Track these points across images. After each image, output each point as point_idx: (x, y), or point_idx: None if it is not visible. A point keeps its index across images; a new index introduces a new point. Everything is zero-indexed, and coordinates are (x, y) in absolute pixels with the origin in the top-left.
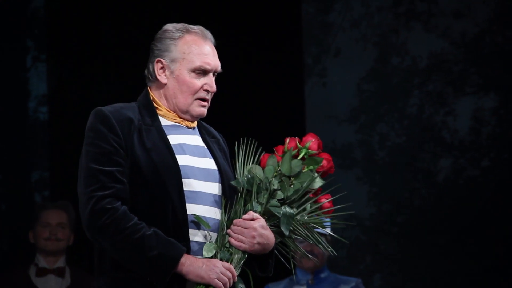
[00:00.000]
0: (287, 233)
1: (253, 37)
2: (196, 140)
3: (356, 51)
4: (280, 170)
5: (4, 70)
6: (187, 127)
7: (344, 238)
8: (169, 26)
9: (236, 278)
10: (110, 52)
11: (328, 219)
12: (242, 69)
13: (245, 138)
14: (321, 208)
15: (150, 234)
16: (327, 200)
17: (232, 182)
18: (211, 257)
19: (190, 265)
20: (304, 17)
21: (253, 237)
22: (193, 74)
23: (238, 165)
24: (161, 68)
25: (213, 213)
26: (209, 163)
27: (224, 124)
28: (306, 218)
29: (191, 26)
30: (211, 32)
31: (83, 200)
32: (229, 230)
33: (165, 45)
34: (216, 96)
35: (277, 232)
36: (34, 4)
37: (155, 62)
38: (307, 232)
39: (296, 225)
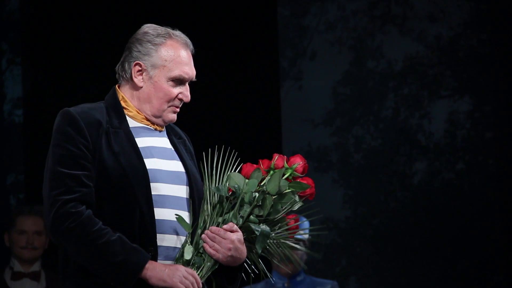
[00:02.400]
0: (260, 251)
1: (228, 41)
2: (163, 142)
3: (332, 54)
4: (265, 186)
5: None
6: (156, 129)
7: (320, 241)
8: (150, 29)
9: (201, 285)
10: (86, 55)
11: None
12: (217, 72)
13: (223, 146)
14: (287, 226)
15: (114, 240)
16: (293, 218)
17: (213, 189)
18: (189, 260)
19: (152, 269)
20: (279, 21)
21: (229, 249)
22: (170, 83)
23: (206, 171)
24: (139, 71)
25: (182, 216)
26: (177, 166)
27: (199, 128)
28: (279, 236)
29: (172, 31)
30: (186, 35)
31: (47, 204)
32: (204, 236)
33: (145, 49)
34: (191, 99)
35: (249, 247)
36: (9, 7)
37: (133, 64)
38: (277, 249)
39: (270, 243)
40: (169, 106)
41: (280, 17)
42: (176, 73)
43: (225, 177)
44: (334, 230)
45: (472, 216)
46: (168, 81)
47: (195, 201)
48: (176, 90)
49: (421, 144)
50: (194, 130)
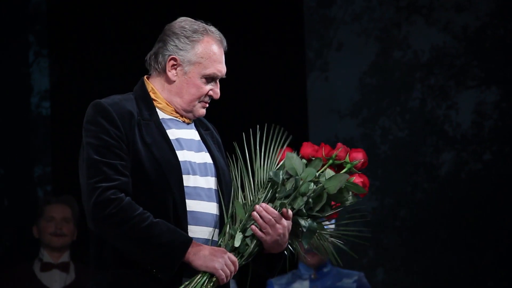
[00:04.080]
0: (306, 246)
1: (254, 32)
2: (192, 134)
3: (358, 45)
4: (323, 181)
5: (6, 66)
6: (184, 121)
7: (347, 231)
8: (186, 23)
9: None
10: (112, 47)
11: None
12: (244, 63)
13: (265, 125)
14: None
15: (157, 222)
16: (336, 211)
17: (271, 173)
18: (237, 247)
19: (195, 253)
20: (305, 11)
21: (279, 235)
22: (203, 79)
23: (252, 150)
24: (173, 65)
25: (211, 208)
26: (205, 157)
27: (226, 118)
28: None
29: (209, 27)
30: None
31: (86, 191)
32: (255, 214)
33: (182, 44)
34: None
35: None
36: (35, 0)
37: (168, 58)
38: (320, 241)
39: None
40: (200, 102)
41: (306, 8)
42: (210, 70)
43: (272, 157)
44: (361, 222)
45: (500, 207)
46: (201, 77)
47: (223, 193)
48: (207, 87)
49: (448, 134)
50: (221, 121)
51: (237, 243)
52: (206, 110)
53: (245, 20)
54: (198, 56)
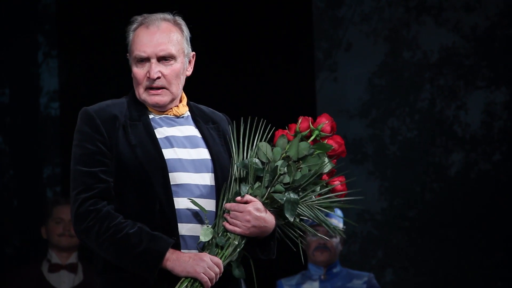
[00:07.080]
0: (292, 219)
1: (263, 33)
2: (187, 130)
3: (367, 45)
4: (287, 152)
5: (15, 66)
6: (176, 116)
7: (356, 232)
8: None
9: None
10: (121, 47)
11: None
12: (253, 64)
13: (249, 117)
14: (333, 191)
15: (134, 232)
16: (340, 183)
17: (238, 164)
18: (208, 242)
19: (175, 259)
20: (314, 12)
21: (248, 221)
22: (139, 65)
23: (234, 145)
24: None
25: (204, 204)
26: (201, 153)
27: (235, 119)
28: (313, 198)
29: (147, 16)
30: (222, 29)
31: (71, 204)
32: (225, 215)
33: (127, 41)
34: (227, 91)
35: (282, 216)
36: (44, 0)
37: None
38: (312, 213)
39: (301, 208)
40: (145, 89)
41: (315, 8)
42: (134, 54)
43: (253, 149)
44: (370, 222)
45: (509, 207)
46: (135, 64)
47: (220, 188)
48: (143, 71)
49: (457, 135)
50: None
51: (204, 238)
52: (213, 106)
53: (254, 21)
54: (130, 45)
